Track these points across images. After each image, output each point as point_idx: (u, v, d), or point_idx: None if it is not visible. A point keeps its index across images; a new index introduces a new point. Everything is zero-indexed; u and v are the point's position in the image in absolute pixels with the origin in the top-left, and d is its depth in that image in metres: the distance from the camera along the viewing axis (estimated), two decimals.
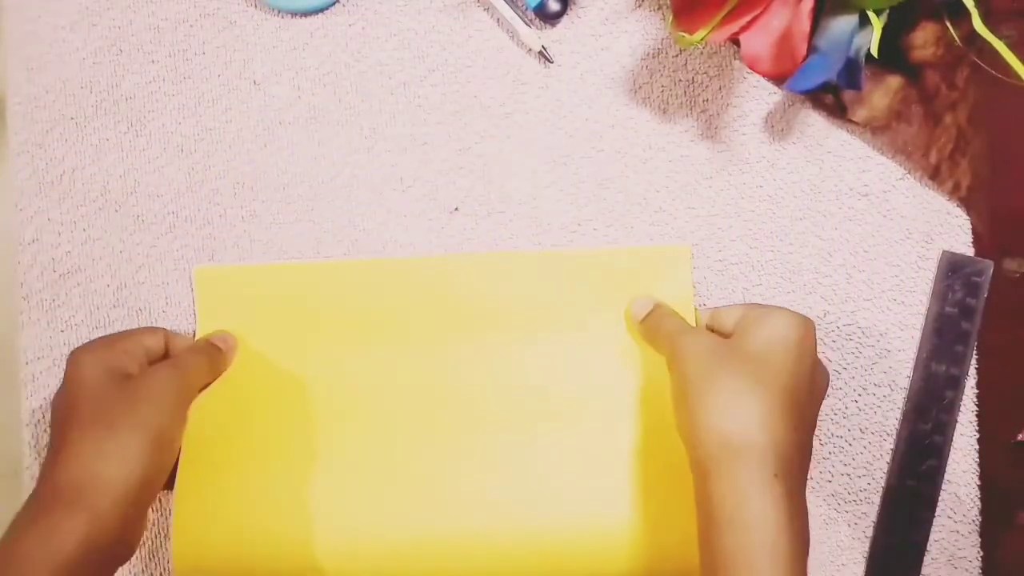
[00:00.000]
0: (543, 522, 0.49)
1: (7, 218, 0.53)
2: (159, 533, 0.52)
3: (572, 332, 0.51)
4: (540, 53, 0.52)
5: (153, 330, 0.50)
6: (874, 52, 0.48)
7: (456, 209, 0.53)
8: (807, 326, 0.45)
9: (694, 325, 0.50)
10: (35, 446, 0.52)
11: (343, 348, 0.51)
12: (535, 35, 0.52)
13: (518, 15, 0.52)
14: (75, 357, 0.47)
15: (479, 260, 0.51)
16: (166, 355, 0.50)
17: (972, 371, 0.52)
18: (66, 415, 0.46)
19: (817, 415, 0.47)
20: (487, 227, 0.53)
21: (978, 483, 0.52)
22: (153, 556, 0.52)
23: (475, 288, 0.51)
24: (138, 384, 0.46)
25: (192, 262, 0.53)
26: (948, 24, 0.51)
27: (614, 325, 0.51)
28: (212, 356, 0.50)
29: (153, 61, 0.53)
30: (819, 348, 0.52)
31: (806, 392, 0.44)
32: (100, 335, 0.51)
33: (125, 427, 0.44)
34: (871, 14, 0.48)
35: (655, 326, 0.49)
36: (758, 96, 0.53)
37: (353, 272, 0.51)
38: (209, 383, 0.50)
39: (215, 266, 0.52)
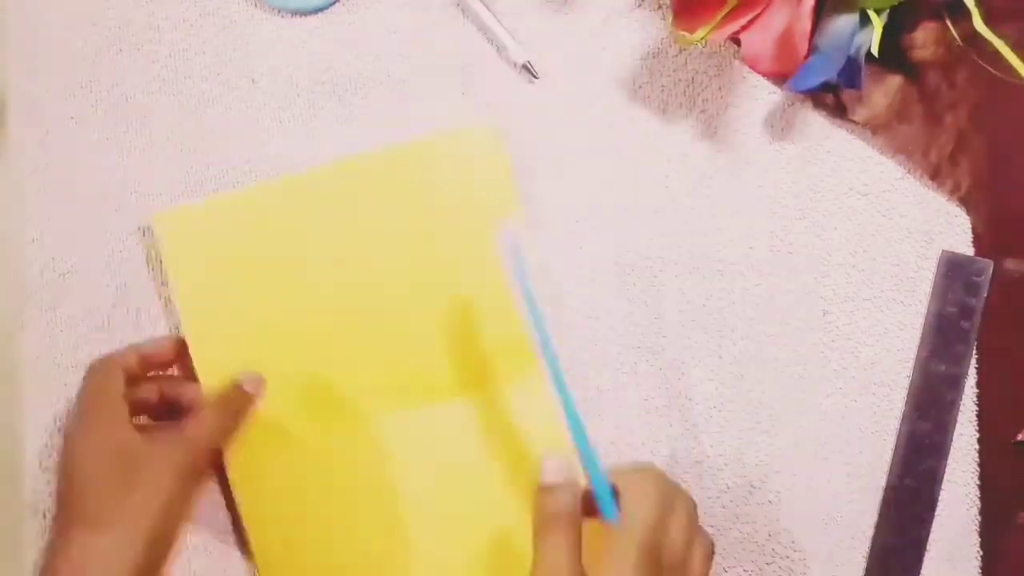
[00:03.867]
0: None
1: (7, 218, 0.53)
2: None
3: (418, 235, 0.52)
4: (525, 67, 0.52)
5: (174, 379, 0.51)
6: (875, 51, 0.48)
7: None
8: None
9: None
10: (35, 446, 0.52)
11: (303, 265, 0.51)
12: (521, 49, 0.52)
13: (505, 30, 0.52)
14: (69, 435, 0.47)
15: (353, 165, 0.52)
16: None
17: (972, 371, 0.52)
18: (60, 502, 0.46)
19: None
20: None
21: (978, 483, 0.52)
22: None
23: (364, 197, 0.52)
24: (138, 465, 0.45)
25: None
26: (948, 24, 0.51)
27: (443, 224, 0.51)
28: (236, 408, 0.49)
29: (153, 61, 0.53)
30: (819, 348, 0.53)
31: None
32: (94, 332, 0.52)
33: (116, 526, 0.44)
34: (872, 13, 0.48)
35: (539, 523, 0.42)
36: (758, 96, 0.53)
37: (303, 186, 0.52)
38: (228, 440, 0.49)
39: (173, 210, 0.52)
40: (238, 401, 0.49)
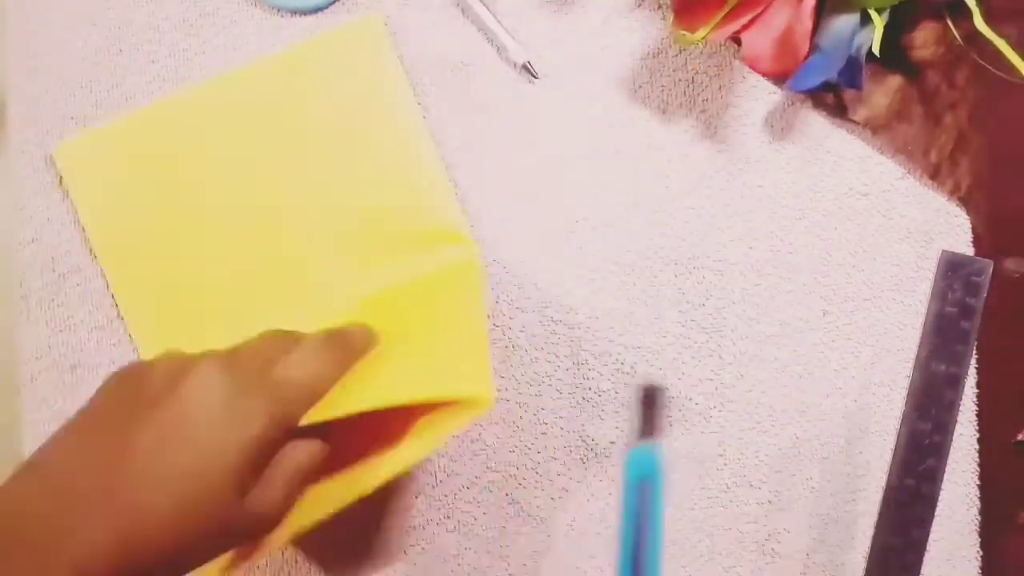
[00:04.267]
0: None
1: (7, 218, 0.53)
2: None
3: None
4: (524, 68, 0.52)
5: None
6: (875, 51, 0.48)
7: None
8: None
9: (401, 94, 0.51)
10: (35, 446, 0.52)
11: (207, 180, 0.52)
12: (521, 49, 0.52)
13: (505, 30, 0.52)
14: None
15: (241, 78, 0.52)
16: None
17: (972, 370, 0.52)
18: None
19: None
20: (486, 226, 0.53)
21: (978, 483, 0.52)
22: None
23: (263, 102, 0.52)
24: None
25: None
26: (949, 23, 0.51)
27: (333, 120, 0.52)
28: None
29: (153, 61, 0.53)
30: (819, 348, 0.53)
31: None
32: (94, 332, 0.52)
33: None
34: (872, 13, 0.48)
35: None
36: (758, 96, 0.53)
37: (195, 102, 0.52)
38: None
39: (72, 139, 0.52)
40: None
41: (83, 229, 0.52)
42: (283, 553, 0.52)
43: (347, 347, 0.43)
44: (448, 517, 0.52)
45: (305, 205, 0.52)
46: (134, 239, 0.52)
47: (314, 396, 0.41)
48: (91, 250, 0.52)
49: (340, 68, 0.52)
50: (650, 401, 0.51)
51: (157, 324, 0.52)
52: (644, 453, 0.50)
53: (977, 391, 0.53)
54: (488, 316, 0.52)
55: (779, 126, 0.53)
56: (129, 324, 0.52)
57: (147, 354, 0.52)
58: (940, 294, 0.52)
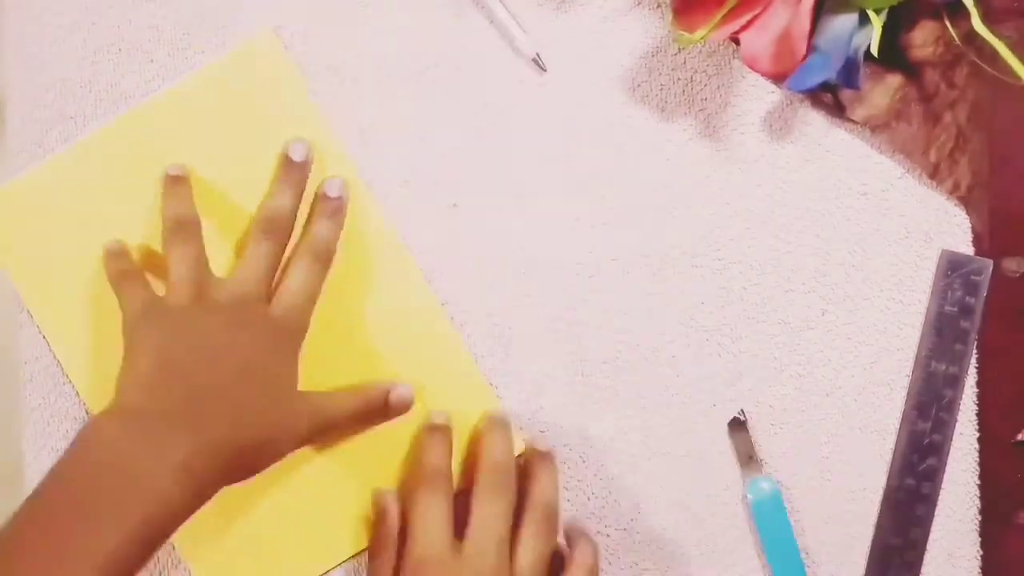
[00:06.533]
0: None
1: None
2: None
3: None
4: (534, 60, 0.52)
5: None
6: (874, 51, 0.48)
7: (455, 205, 0.53)
8: None
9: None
10: (35, 446, 0.52)
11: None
12: (530, 41, 0.52)
13: (515, 21, 0.52)
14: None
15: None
16: None
17: (972, 370, 0.52)
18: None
19: None
20: (485, 224, 0.53)
21: (978, 482, 0.52)
22: None
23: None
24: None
25: None
26: (947, 23, 0.51)
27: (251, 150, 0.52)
28: (372, 413, 0.51)
29: (152, 60, 0.53)
30: (819, 348, 0.53)
31: None
32: None
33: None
34: (871, 13, 0.48)
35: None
36: (757, 95, 0.53)
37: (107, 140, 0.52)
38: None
39: None
40: (378, 407, 0.50)
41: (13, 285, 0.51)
42: None
43: (323, 251, 0.51)
44: None
45: (227, 227, 0.52)
46: (66, 291, 0.51)
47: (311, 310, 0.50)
48: (25, 307, 0.51)
49: (242, 91, 0.52)
50: (739, 433, 0.52)
51: (102, 376, 0.51)
52: (757, 483, 0.51)
53: (977, 391, 0.52)
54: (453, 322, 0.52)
55: (778, 125, 0.53)
56: (74, 381, 0.51)
57: (95, 407, 0.51)
58: (940, 293, 0.52)
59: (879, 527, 0.52)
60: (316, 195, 0.51)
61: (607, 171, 0.53)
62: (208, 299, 0.48)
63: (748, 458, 0.52)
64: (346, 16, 0.53)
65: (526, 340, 0.53)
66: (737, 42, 0.52)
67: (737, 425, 0.52)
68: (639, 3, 0.53)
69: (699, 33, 0.47)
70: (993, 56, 0.48)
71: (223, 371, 0.46)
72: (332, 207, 0.51)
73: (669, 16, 0.53)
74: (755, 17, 0.48)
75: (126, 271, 0.50)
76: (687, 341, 0.53)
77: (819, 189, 0.53)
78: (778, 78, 0.51)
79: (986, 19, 0.47)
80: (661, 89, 0.53)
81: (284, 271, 0.50)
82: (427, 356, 0.52)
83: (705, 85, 0.53)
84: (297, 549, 0.51)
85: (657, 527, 0.52)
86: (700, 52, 0.53)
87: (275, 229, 0.50)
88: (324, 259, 0.50)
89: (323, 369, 0.51)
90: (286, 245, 0.50)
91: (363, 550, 0.51)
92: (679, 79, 0.53)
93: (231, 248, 0.52)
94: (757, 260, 0.53)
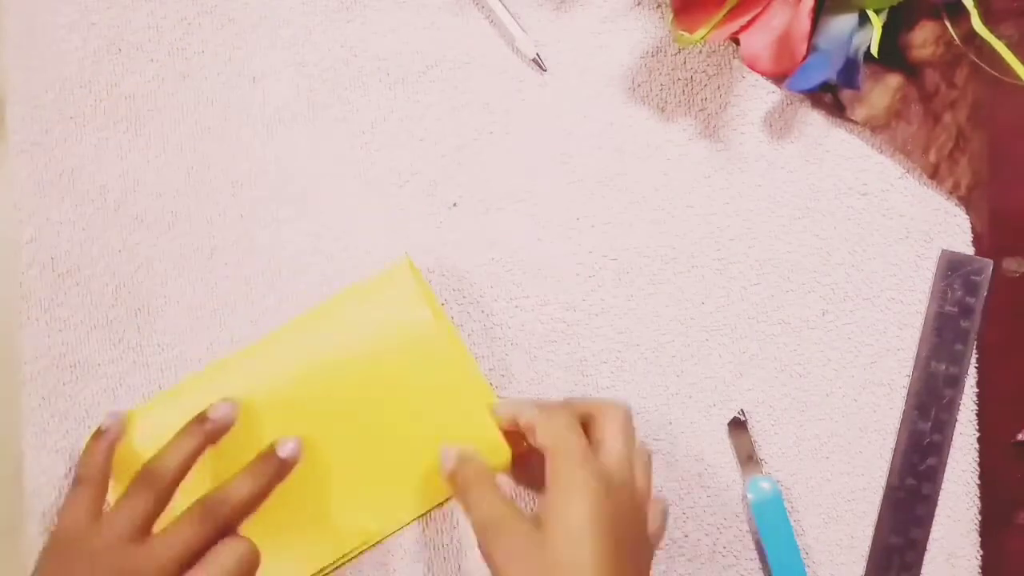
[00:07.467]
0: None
1: (7, 218, 0.53)
2: None
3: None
4: (534, 60, 0.52)
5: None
6: (874, 51, 0.48)
7: (455, 205, 0.53)
8: (609, 491, 0.44)
9: (428, 318, 0.50)
10: (35, 446, 0.52)
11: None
12: (530, 41, 0.52)
13: (515, 21, 0.52)
14: None
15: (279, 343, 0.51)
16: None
17: (972, 370, 0.52)
18: None
19: (652, 554, 0.47)
20: (485, 223, 0.53)
21: (978, 482, 0.52)
22: None
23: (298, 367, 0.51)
24: None
25: (191, 261, 0.53)
26: (947, 23, 0.51)
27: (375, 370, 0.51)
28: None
29: (152, 60, 0.53)
30: (819, 348, 0.53)
31: (629, 556, 0.44)
32: (94, 332, 0.52)
33: None
34: (871, 13, 0.48)
35: (462, 494, 0.47)
36: (757, 95, 0.53)
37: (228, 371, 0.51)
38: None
39: (145, 407, 0.51)
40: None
41: None
42: None
43: (217, 513, 0.47)
44: (448, 517, 0.52)
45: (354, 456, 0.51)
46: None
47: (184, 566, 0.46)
48: None
49: (374, 318, 0.51)
50: (739, 433, 0.52)
51: None
52: (757, 483, 0.51)
53: (977, 391, 0.52)
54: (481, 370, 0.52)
55: (778, 125, 0.53)
56: None
57: None
58: (940, 293, 0.52)
59: (879, 527, 0.52)
60: (264, 450, 0.49)
61: (607, 171, 0.53)
62: (118, 559, 0.46)
63: (748, 458, 0.52)
64: (346, 16, 0.53)
65: (526, 340, 0.53)
66: (737, 42, 0.52)
67: (737, 425, 0.52)
68: (639, 3, 0.53)
69: (699, 33, 0.47)
70: (993, 56, 0.48)
71: None
72: (269, 468, 0.48)
73: (669, 16, 0.53)
74: (755, 17, 0.48)
75: (91, 477, 0.48)
76: (687, 341, 0.53)
77: (819, 189, 0.53)
78: (778, 78, 0.51)
79: (986, 19, 0.47)
80: (661, 89, 0.53)
81: (174, 519, 0.47)
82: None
83: (705, 85, 0.53)
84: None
85: None
86: (700, 52, 0.53)
87: (155, 480, 0.47)
88: (218, 522, 0.47)
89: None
90: (166, 498, 0.47)
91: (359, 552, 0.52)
92: (679, 79, 0.53)
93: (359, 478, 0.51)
94: (757, 260, 0.53)
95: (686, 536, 0.52)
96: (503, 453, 0.49)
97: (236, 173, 0.53)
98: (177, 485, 0.47)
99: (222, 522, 0.47)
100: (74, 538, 0.47)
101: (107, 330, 0.52)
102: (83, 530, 0.47)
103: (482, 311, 0.53)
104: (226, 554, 0.46)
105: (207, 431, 0.49)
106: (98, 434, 0.49)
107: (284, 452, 0.49)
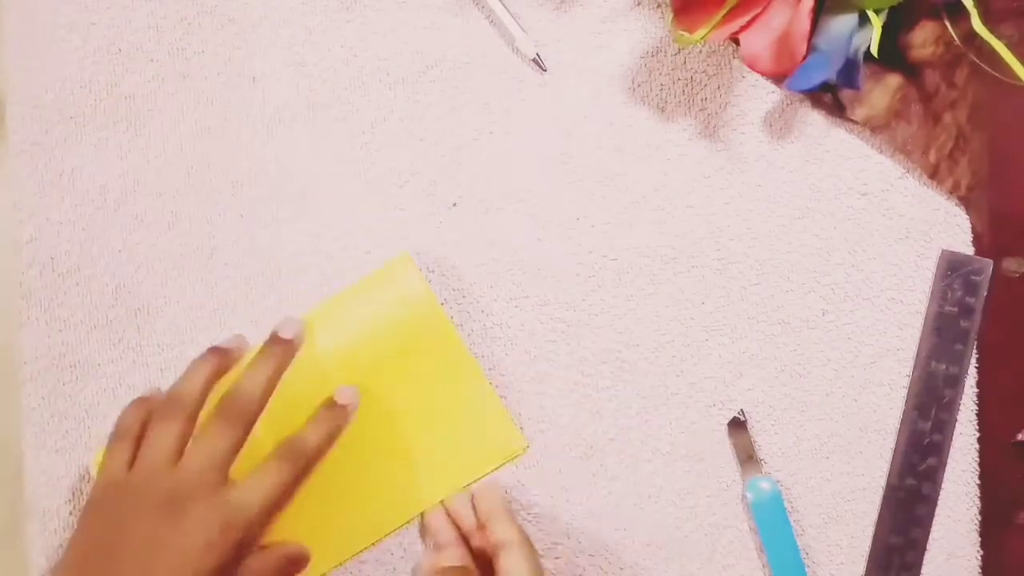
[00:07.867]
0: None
1: (7, 218, 0.53)
2: None
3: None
4: (534, 60, 0.52)
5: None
6: (874, 51, 0.48)
7: (455, 205, 0.53)
8: None
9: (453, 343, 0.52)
10: (35, 446, 0.52)
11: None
12: (530, 41, 0.52)
13: (515, 21, 0.52)
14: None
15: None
16: None
17: (972, 370, 0.52)
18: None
19: None
20: (485, 223, 0.53)
21: (978, 482, 0.52)
22: None
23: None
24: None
25: (191, 261, 0.53)
26: (947, 23, 0.51)
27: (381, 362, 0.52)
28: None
29: (152, 60, 0.53)
30: (819, 348, 0.53)
31: None
32: (94, 332, 0.52)
33: None
34: (871, 13, 0.48)
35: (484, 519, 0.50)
36: (757, 95, 0.53)
37: None
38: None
39: None
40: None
41: None
42: None
43: (300, 455, 0.48)
44: None
45: (363, 440, 0.51)
46: None
47: (272, 513, 0.46)
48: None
49: (382, 310, 0.52)
50: (738, 433, 0.52)
51: None
52: (757, 483, 0.51)
53: (977, 391, 0.52)
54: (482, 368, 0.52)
55: (778, 125, 0.53)
56: None
57: None
58: (940, 293, 0.52)
59: (879, 527, 0.52)
60: (325, 400, 0.50)
61: (607, 170, 0.53)
62: (155, 487, 0.46)
63: (748, 458, 0.52)
64: (346, 16, 0.53)
65: (526, 340, 0.53)
66: (737, 42, 0.52)
67: (737, 425, 0.52)
68: (639, 3, 0.53)
69: (699, 33, 0.47)
70: (993, 56, 0.48)
71: (154, 569, 0.44)
72: (334, 416, 0.50)
73: (669, 16, 0.53)
74: (755, 17, 0.48)
75: (127, 430, 0.48)
76: (687, 341, 0.53)
77: (819, 189, 0.53)
78: (778, 78, 0.51)
79: (986, 19, 0.47)
80: (661, 89, 0.53)
81: (258, 465, 0.47)
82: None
83: (705, 85, 0.53)
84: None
85: (657, 527, 0.52)
86: (700, 52, 0.53)
87: (236, 413, 0.48)
88: (300, 465, 0.48)
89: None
90: (249, 430, 0.48)
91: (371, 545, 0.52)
92: (679, 79, 0.53)
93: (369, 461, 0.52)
94: (757, 259, 0.53)
95: (686, 536, 0.52)
96: (517, 440, 0.51)
97: (236, 173, 0.53)
98: (262, 410, 0.48)
99: (301, 466, 0.47)
100: (147, 481, 0.46)
101: (107, 330, 0.52)
102: (162, 471, 0.46)
103: (482, 311, 0.53)
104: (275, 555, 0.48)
105: (283, 351, 0.49)
106: (223, 352, 0.49)
107: (343, 399, 0.50)
